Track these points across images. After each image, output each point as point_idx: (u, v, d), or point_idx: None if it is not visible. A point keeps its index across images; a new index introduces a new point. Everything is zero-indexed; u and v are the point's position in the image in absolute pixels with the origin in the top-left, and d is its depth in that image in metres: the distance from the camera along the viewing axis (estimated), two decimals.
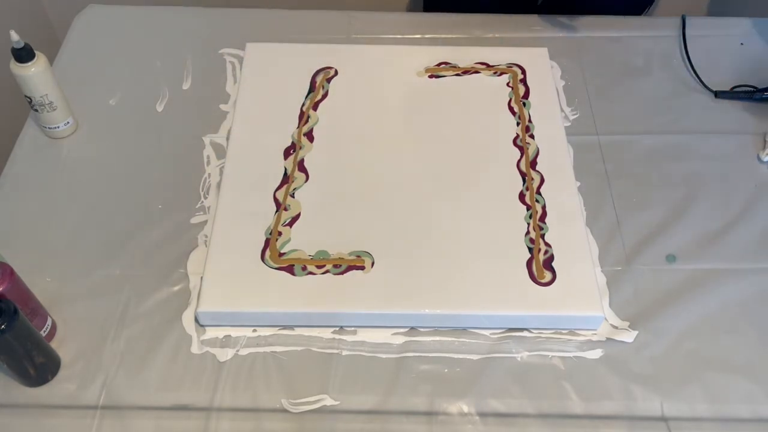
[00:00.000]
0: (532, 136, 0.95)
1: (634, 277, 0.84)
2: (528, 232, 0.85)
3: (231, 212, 0.86)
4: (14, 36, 0.85)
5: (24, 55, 0.87)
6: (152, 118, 0.99)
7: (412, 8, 1.55)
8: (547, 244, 0.84)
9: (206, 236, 0.86)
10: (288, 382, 0.76)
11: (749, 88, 1.04)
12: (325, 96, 1.00)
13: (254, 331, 0.79)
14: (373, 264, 0.82)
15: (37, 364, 0.73)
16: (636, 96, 1.04)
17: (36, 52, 0.88)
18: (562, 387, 0.76)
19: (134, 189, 0.91)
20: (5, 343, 0.68)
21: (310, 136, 0.95)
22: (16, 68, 0.88)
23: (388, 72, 1.03)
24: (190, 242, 0.86)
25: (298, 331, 0.79)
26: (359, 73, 1.03)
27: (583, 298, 0.80)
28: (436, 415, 0.74)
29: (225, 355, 0.77)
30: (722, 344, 0.79)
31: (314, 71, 1.03)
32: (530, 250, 0.83)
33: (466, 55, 1.05)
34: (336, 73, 1.03)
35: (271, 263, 0.82)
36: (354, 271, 0.81)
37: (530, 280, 0.81)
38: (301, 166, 0.91)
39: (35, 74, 0.88)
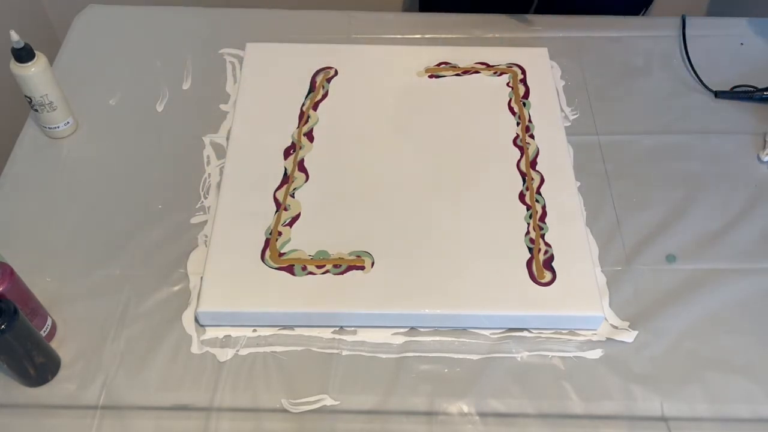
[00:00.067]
0: (532, 136, 0.95)
1: (634, 277, 0.84)
2: (528, 232, 0.85)
3: (231, 212, 0.86)
4: (14, 36, 0.85)
5: (24, 55, 0.87)
6: (152, 118, 0.99)
7: (407, 8, 1.55)
8: (547, 244, 0.84)
9: (206, 236, 0.86)
10: (288, 382, 0.76)
11: (749, 88, 1.04)
12: (325, 96, 1.00)
13: (254, 331, 0.79)
14: (373, 264, 0.82)
15: (37, 364, 0.73)
16: (636, 96, 1.04)
17: (36, 52, 0.88)
18: (562, 387, 0.76)
19: (134, 189, 0.91)
20: (5, 343, 0.68)
21: (310, 136, 0.95)
22: (16, 68, 0.88)
23: (388, 72, 1.03)
24: (190, 242, 0.86)
25: (298, 331, 0.79)
26: (359, 73, 1.03)
27: (583, 298, 0.80)
28: (436, 415, 0.74)
29: (225, 355, 0.77)
30: (722, 344, 0.79)
31: (314, 71, 1.03)
32: (530, 250, 0.83)
33: (466, 55, 1.05)
34: (336, 73, 1.03)
35: (271, 263, 0.82)
36: (354, 271, 0.81)
37: (530, 280, 0.81)
38: (301, 166, 0.91)
39: (35, 74, 0.88)
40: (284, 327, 0.80)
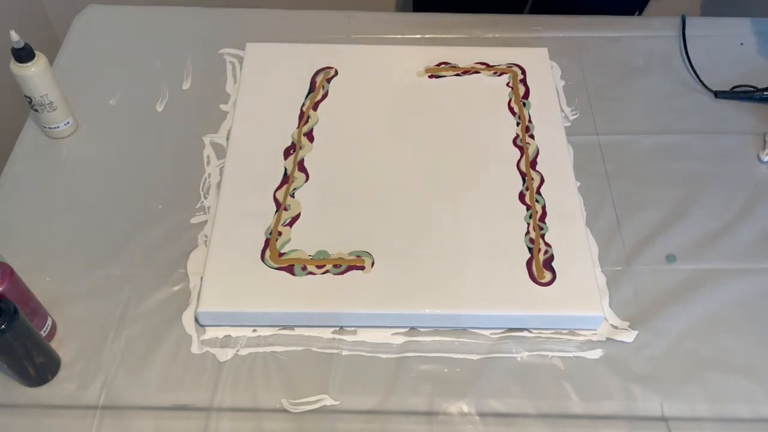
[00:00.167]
0: (532, 136, 0.95)
1: (634, 277, 0.84)
2: (528, 232, 0.85)
3: (231, 212, 0.86)
4: (14, 36, 0.85)
5: (24, 55, 0.87)
6: (152, 118, 0.99)
7: (401, 8, 1.55)
8: (547, 244, 0.84)
9: (206, 236, 0.86)
10: (288, 382, 0.76)
11: (749, 88, 1.04)
12: (325, 96, 1.00)
13: (254, 331, 0.79)
14: (373, 264, 0.82)
15: (37, 364, 0.73)
16: (636, 96, 1.04)
17: (36, 52, 0.88)
18: (562, 387, 0.76)
19: (134, 189, 0.91)
20: (5, 343, 0.68)
21: (310, 136, 0.95)
22: (16, 68, 0.88)
23: (388, 72, 1.03)
24: (190, 242, 0.86)
25: (298, 331, 0.79)
26: (359, 73, 1.03)
27: (583, 298, 0.80)
28: (436, 415, 0.74)
29: (225, 355, 0.77)
30: (722, 344, 0.79)
31: (314, 71, 1.03)
32: (530, 250, 0.83)
33: (466, 55, 1.05)
34: (336, 73, 1.03)
35: (271, 263, 0.82)
36: (354, 271, 0.81)
37: (530, 280, 0.81)
38: (301, 166, 0.91)
39: (35, 74, 0.88)
40: (284, 327, 0.80)
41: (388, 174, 0.91)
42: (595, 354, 0.79)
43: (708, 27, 1.13)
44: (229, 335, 0.79)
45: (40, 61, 0.88)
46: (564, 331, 0.80)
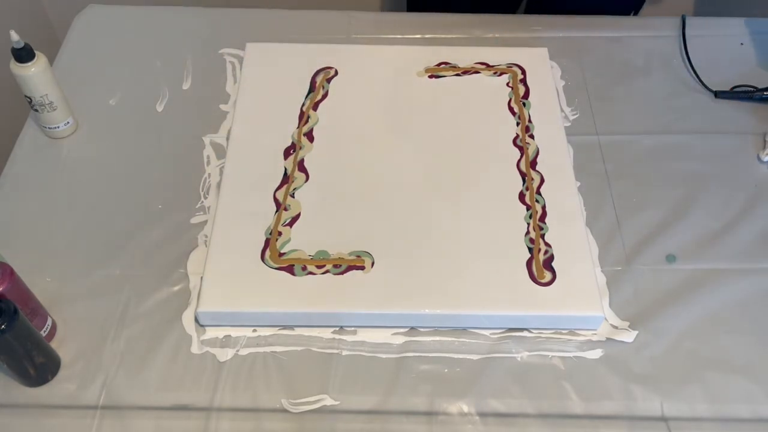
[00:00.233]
0: (532, 136, 0.95)
1: (634, 277, 0.84)
2: (528, 232, 0.85)
3: (231, 212, 0.86)
4: (14, 36, 0.85)
5: (24, 55, 0.87)
6: (152, 118, 0.99)
7: (393, 8, 1.56)
8: (547, 244, 0.84)
9: (206, 236, 0.86)
10: (288, 382, 0.76)
11: (749, 88, 1.04)
12: (325, 96, 1.00)
13: (254, 331, 0.79)
14: (373, 264, 0.82)
15: (37, 364, 0.73)
16: (636, 96, 1.04)
17: (36, 52, 0.88)
18: (562, 387, 0.76)
19: (134, 189, 0.91)
20: (5, 343, 0.68)
21: (310, 136, 0.95)
22: (16, 68, 0.88)
23: (388, 72, 1.03)
24: (190, 242, 0.86)
25: (298, 331, 0.79)
26: (359, 73, 1.03)
27: (583, 298, 0.80)
28: (436, 415, 0.74)
29: (225, 355, 0.77)
30: (722, 344, 0.79)
31: (314, 71, 1.03)
32: (530, 250, 0.83)
33: (466, 55, 1.05)
34: (336, 73, 1.03)
35: (271, 263, 0.82)
36: (354, 271, 0.81)
37: (530, 280, 0.81)
38: (301, 166, 0.91)
39: (35, 74, 0.88)
40: (284, 327, 0.80)
41: (388, 174, 0.91)
42: (595, 354, 0.79)
43: (708, 27, 1.13)
44: (229, 335, 0.79)
45: (40, 61, 0.88)
46: (564, 331, 0.80)
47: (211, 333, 0.79)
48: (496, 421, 0.74)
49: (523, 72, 1.03)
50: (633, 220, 0.89)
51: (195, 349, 0.78)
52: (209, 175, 0.93)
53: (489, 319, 0.79)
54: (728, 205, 0.91)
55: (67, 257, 0.85)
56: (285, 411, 0.74)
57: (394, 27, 1.13)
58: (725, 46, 1.11)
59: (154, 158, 0.95)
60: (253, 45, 1.06)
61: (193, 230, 0.87)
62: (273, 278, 0.80)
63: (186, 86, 1.03)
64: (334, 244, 0.83)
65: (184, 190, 0.91)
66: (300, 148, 0.93)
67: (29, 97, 0.91)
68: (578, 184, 0.92)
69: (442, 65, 1.04)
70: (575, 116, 1.01)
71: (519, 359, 0.78)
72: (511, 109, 0.99)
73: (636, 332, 0.80)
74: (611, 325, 0.80)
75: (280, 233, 0.84)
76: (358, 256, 0.82)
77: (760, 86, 1.03)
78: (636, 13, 1.21)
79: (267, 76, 1.02)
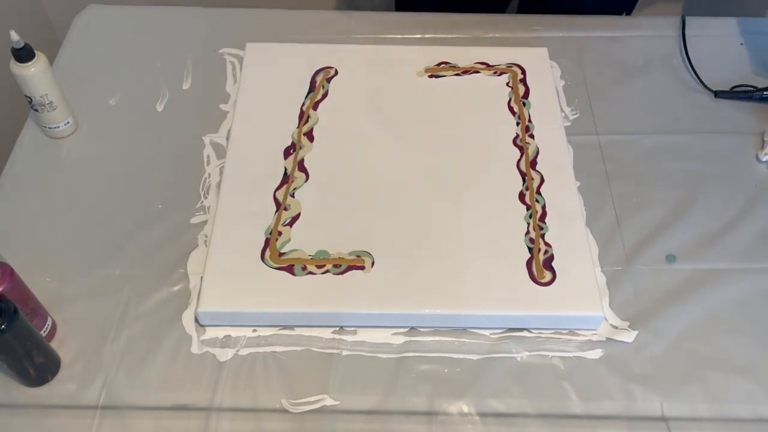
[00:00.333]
0: (531, 136, 0.95)
1: (634, 277, 0.84)
2: (528, 232, 0.85)
3: (231, 212, 0.86)
4: (14, 36, 0.85)
5: (24, 55, 0.87)
6: (152, 118, 0.99)
7: (385, 8, 1.55)
8: (547, 244, 0.84)
9: (206, 236, 0.86)
10: (288, 382, 0.76)
11: (749, 88, 1.04)
12: (325, 96, 1.00)
13: (254, 331, 0.79)
14: (373, 264, 0.82)
15: (37, 364, 0.73)
16: (636, 96, 1.04)
17: (36, 52, 0.88)
18: (562, 387, 0.76)
19: (134, 189, 0.91)
20: (5, 343, 0.68)
21: (310, 136, 0.95)
22: (16, 68, 0.88)
23: (388, 72, 1.03)
24: (190, 242, 0.86)
25: (298, 331, 0.79)
26: (359, 73, 1.03)
27: (583, 298, 0.80)
28: (436, 415, 0.74)
29: (225, 355, 0.77)
30: (722, 344, 0.79)
31: (314, 71, 1.03)
32: (530, 250, 0.83)
33: (466, 55, 1.05)
34: (336, 73, 1.03)
35: (271, 263, 0.82)
36: (354, 271, 0.81)
37: (530, 280, 0.81)
38: (301, 166, 0.91)
39: (35, 74, 0.88)
40: (284, 327, 0.80)
41: (388, 174, 0.91)
42: (595, 354, 0.79)
43: (708, 27, 1.13)
44: (229, 335, 0.79)
45: (40, 61, 0.88)
46: (564, 331, 0.80)
47: (211, 333, 0.79)
48: (496, 421, 0.74)
49: (523, 72, 1.03)
50: (633, 220, 0.89)
51: (195, 349, 0.78)
52: (209, 175, 0.93)
53: (489, 319, 0.79)
54: (728, 205, 0.91)
55: (67, 257, 0.85)
56: (285, 411, 0.74)
57: (394, 27, 1.13)
58: (725, 46, 1.11)
59: (154, 158, 0.95)
60: (253, 45, 1.06)
61: (193, 230, 0.87)
62: (273, 278, 0.80)
63: (186, 86, 1.03)
64: (334, 244, 0.83)
65: (184, 190, 0.91)
66: (300, 148, 0.93)
67: (29, 97, 0.91)
68: (578, 184, 0.92)
69: (442, 65, 1.04)
70: (575, 116, 1.01)
71: (519, 359, 0.78)
72: (511, 109, 0.99)
73: (636, 332, 0.80)
74: (611, 325, 0.80)
75: (280, 233, 0.84)
76: (358, 256, 0.82)
77: (759, 86, 1.03)
78: (629, 14, 1.21)
79: (267, 76, 1.02)
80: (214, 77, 1.05)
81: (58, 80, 0.92)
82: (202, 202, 0.90)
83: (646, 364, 0.78)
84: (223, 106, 1.01)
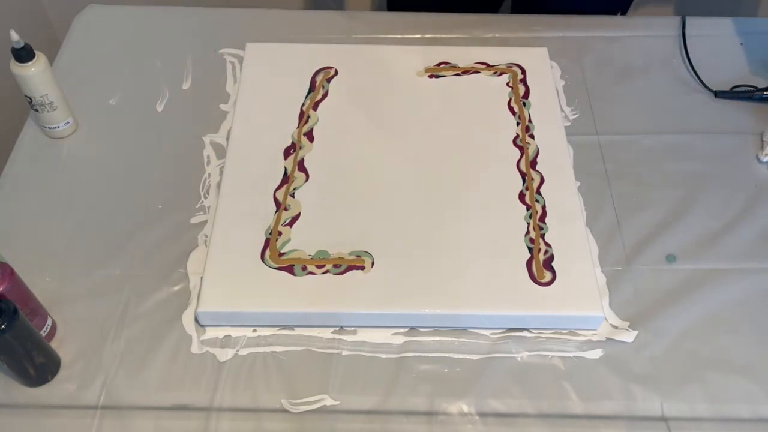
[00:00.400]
0: (532, 136, 0.95)
1: (634, 277, 0.84)
2: (528, 232, 0.85)
3: (231, 212, 0.86)
4: (14, 36, 0.85)
5: (24, 55, 0.87)
6: (152, 118, 0.99)
7: (376, 8, 1.56)
8: (547, 244, 0.84)
9: (206, 236, 0.86)
10: (288, 382, 0.76)
11: (749, 88, 1.04)
12: (325, 96, 1.00)
13: (254, 331, 0.79)
14: (373, 264, 0.82)
15: (37, 364, 0.73)
16: (636, 96, 1.04)
17: (36, 52, 0.88)
18: (562, 387, 0.76)
19: (134, 189, 0.91)
20: (5, 343, 0.68)
21: (310, 136, 0.95)
22: (16, 68, 0.88)
23: (388, 72, 1.03)
24: (190, 242, 0.86)
25: (298, 331, 0.79)
26: (359, 73, 1.03)
27: (583, 298, 0.80)
28: (436, 415, 0.74)
29: (225, 355, 0.77)
30: (722, 344, 0.79)
31: (314, 71, 1.03)
32: (530, 250, 0.83)
33: (466, 55, 1.05)
34: (336, 73, 1.03)
35: (271, 263, 0.82)
36: (354, 271, 0.81)
37: (530, 280, 0.81)
38: (301, 166, 0.91)
39: (35, 74, 0.88)
40: (284, 327, 0.80)
41: (388, 174, 0.91)
42: (595, 354, 0.79)
43: (708, 27, 1.13)
44: (229, 335, 0.79)
45: (40, 61, 0.88)
46: (564, 331, 0.80)
47: (211, 333, 0.79)
48: (496, 421, 0.74)
49: (523, 72, 1.03)
50: (633, 220, 0.89)
51: (195, 349, 0.78)
52: (209, 175, 0.93)
53: (489, 319, 0.79)
54: (728, 205, 0.91)
55: (67, 257, 0.85)
56: (285, 411, 0.74)
57: (394, 27, 1.13)
58: (725, 46, 1.11)
59: (154, 158, 0.95)
60: (253, 45, 1.06)
61: (193, 230, 0.87)
62: (273, 278, 0.80)
63: (186, 86, 1.03)
64: (334, 244, 0.83)
65: (184, 190, 0.91)
66: (300, 148, 0.93)
67: (29, 97, 0.91)
68: (578, 184, 0.92)
69: (442, 65, 1.04)
70: (575, 116, 1.01)
71: (519, 359, 0.78)
72: (511, 109, 0.99)
73: (636, 332, 0.80)
74: (611, 325, 0.80)
75: (280, 233, 0.84)
76: (358, 256, 0.82)
77: (759, 86, 1.03)
78: (624, 14, 1.21)
79: (267, 76, 1.02)
80: (214, 77, 1.05)
81: (58, 80, 0.92)
82: (202, 202, 0.90)
83: (646, 364, 0.78)
84: (223, 106, 1.01)
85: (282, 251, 0.83)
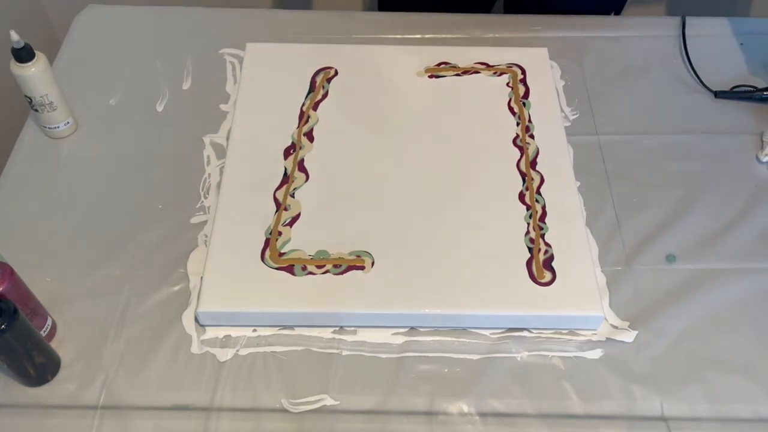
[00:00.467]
0: (532, 136, 0.95)
1: (634, 277, 0.84)
2: (528, 232, 0.85)
3: (231, 212, 0.86)
4: (14, 36, 0.85)
5: (24, 55, 0.87)
6: (152, 118, 0.99)
7: (368, 8, 1.56)
8: (547, 244, 0.84)
9: (206, 236, 0.86)
10: (288, 382, 0.76)
11: (749, 88, 1.04)
12: (325, 96, 1.00)
13: (254, 331, 0.79)
14: (373, 264, 0.82)
15: (37, 364, 0.73)
16: (636, 96, 1.04)
17: (36, 52, 0.88)
18: (562, 387, 0.76)
19: (134, 189, 0.91)
20: (5, 343, 0.68)
21: (310, 136, 0.95)
22: (16, 68, 0.88)
23: (388, 72, 1.03)
24: (190, 242, 0.86)
25: (298, 331, 0.79)
26: (359, 73, 1.03)
27: (583, 298, 0.80)
28: (436, 415, 0.74)
29: (225, 355, 0.77)
30: (722, 344, 0.79)
31: (314, 71, 1.03)
32: (530, 250, 0.83)
33: (466, 55, 1.05)
34: (336, 73, 1.03)
35: (271, 263, 0.82)
36: (354, 271, 0.81)
37: (530, 280, 0.81)
38: (301, 166, 0.91)
39: (35, 74, 0.88)
40: (284, 327, 0.80)
41: (388, 174, 0.91)
42: (595, 354, 0.79)
43: (708, 27, 1.13)
44: (229, 335, 0.79)
45: (40, 61, 0.88)
46: (564, 331, 0.80)
47: (211, 333, 0.79)
48: (496, 421, 0.74)
49: (523, 72, 1.03)
50: (633, 220, 0.89)
51: (195, 349, 0.78)
52: (209, 175, 0.93)
53: (489, 319, 0.79)
54: (728, 205, 0.91)
55: (67, 257, 0.85)
56: (285, 411, 0.74)
57: (394, 27, 1.13)
58: (725, 46, 1.11)
59: (154, 158, 0.95)
60: (253, 45, 1.06)
61: (193, 230, 0.87)
62: (273, 278, 0.80)
63: (186, 86, 1.03)
64: (334, 244, 0.83)
65: (184, 190, 0.91)
66: (300, 148, 0.93)
67: (29, 97, 0.91)
68: (578, 184, 0.92)
69: (442, 65, 1.04)
70: (575, 116, 1.01)
71: (519, 359, 0.78)
72: (511, 109, 0.99)
73: (636, 332, 0.80)
74: (611, 325, 0.80)
75: (280, 233, 0.84)
76: (358, 256, 0.82)
77: (759, 86, 1.03)
78: (617, 14, 1.21)
79: (267, 76, 1.02)
80: (214, 77, 1.05)
81: (58, 80, 0.92)
82: (202, 202, 0.90)
83: (646, 364, 0.78)
84: (223, 106, 1.01)
85: (282, 251, 0.83)
